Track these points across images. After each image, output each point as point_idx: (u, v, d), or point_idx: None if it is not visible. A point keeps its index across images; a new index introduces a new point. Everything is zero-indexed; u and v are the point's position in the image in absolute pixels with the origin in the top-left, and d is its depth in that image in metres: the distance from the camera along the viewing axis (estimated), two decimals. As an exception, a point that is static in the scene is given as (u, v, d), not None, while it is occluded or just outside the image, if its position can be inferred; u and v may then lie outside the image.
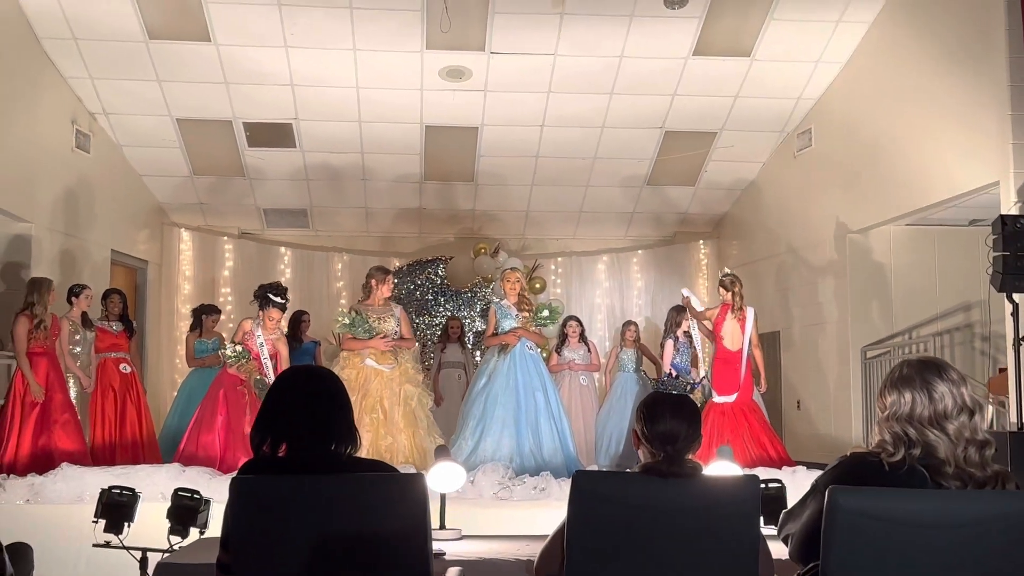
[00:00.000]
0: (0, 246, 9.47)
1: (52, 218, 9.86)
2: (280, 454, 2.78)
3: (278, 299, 8.15)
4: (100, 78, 10.19)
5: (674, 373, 9.37)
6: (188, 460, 7.62)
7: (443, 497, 4.39)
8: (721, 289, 8.88)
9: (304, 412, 2.78)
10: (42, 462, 7.71)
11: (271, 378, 8.02)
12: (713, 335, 8.97)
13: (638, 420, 3.06)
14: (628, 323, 10.96)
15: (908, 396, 2.81)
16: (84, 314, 8.87)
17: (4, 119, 9.01)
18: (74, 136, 10.33)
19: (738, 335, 8.65)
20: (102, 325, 9.01)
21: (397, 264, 12.80)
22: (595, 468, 8.22)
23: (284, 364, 8.23)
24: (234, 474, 2.91)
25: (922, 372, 2.83)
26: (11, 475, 7.23)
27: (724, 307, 8.79)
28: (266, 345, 8.08)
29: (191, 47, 9.85)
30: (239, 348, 7.99)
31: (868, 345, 10.05)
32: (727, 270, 9.35)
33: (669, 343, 9.61)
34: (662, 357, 9.78)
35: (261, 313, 8.15)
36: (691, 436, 2.98)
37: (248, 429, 7.73)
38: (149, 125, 11.00)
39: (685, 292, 9.69)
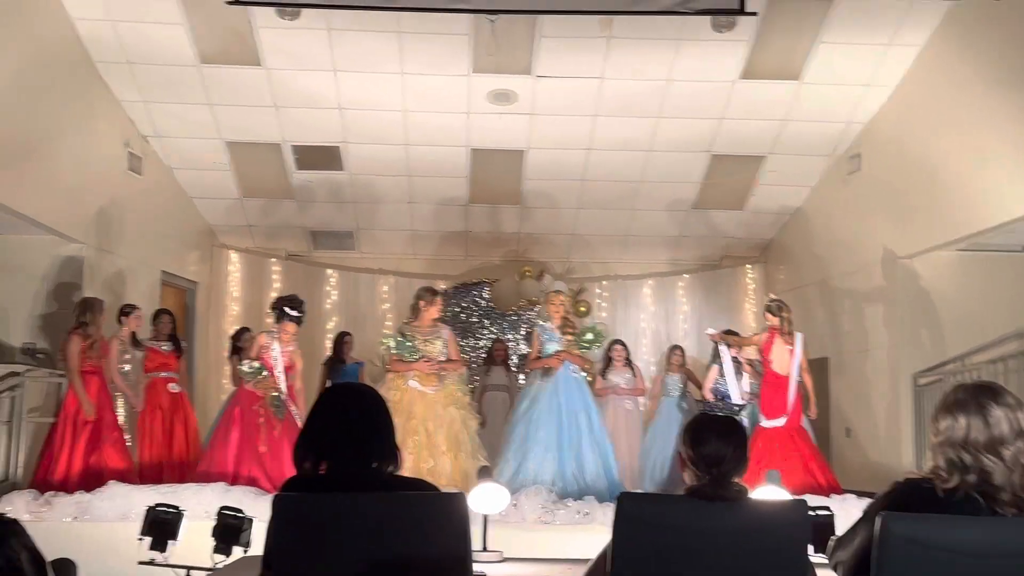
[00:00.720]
0: (53, 266, 9.61)
1: (104, 239, 9.99)
2: (322, 471, 2.77)
3: (294, 312, 8.20)
4: (153, 101, 10.34)
5: (713, 399, 9.30)
6: (202, 477, 7.65)
7: (485, 519, 4.35)
8: (768, 315, 8.83)
9: (345, 429, 2.76)
10: (91, 480, 7.80)
11: (285, 392, 8.06)
12: (761, 363, 8.89)
13: (683, 442, 3.02)
14: (674, 347, 10.90)
15: (963, 421, 2.75)
16: (133, 334, 8.99)
17: (59, 141, 9.17)
18: (127, 158, 10.48)
19: (786, 360, 8.58)
20: (152, 345, 9.12)
21: (443, 287, 12.81)
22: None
23: (300, 377, 8.24)
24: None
25: (977, 396, 2.77)
26: (59, 492, 7.31)
27: (772, 332, 8.72)
28: (281, 358, 8.10)
29: (241, 71, 9.97)
30: (256, 364, 8.03)
31: (919, 372, 9.87)
32: (773, 296, 9.28)
33: (715, 368, 9.54)
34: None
35: (277, 326, 8.19)
36: (737, 458, 2.93)
37: (263, 448, 7.78)
38: (200, 148, 11.14)
39: (710, 331, 9.64)
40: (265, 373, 8.03)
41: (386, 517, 2.63)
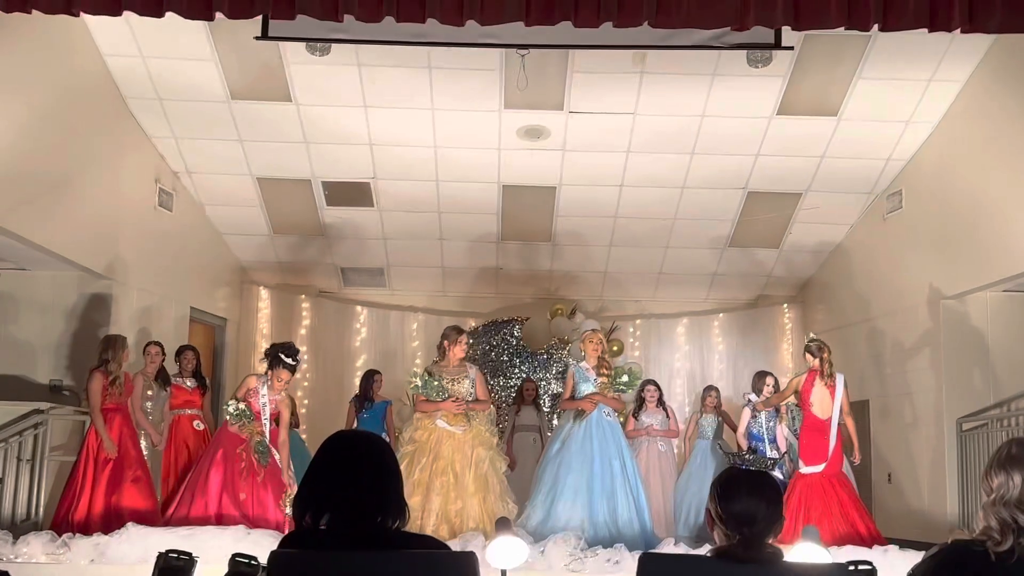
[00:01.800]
0: (80, 303, 9.60)
1: (133, 275, 9.97)
2: (323, 526, 2.58)
3: (289, 360, 7.95)
4: (184, 138, 10.35)
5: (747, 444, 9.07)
6: (180, 522, 7.44)
7: (503, 574, 4.15)
8: (808, 355, 8.57)
9: (348, 481, 2.57)
10: (112, 520, 7.71)
11: (268, 438, 7.86)
12: (799, 407, 8.66)
13: (711, 499, 2.80)
14: (709, 388, 10.67)
15: (1018, 479, 2.56)
16: (163, 370, 8.93)
17: (90, 177, 9.18)
18: (157, 195, 10.48)
19: (827, 402, 8.32)
20: (176, 382, 9.07)
21: (473, 324, 12.69)
22: (671, 540, 7.89)
23: (284, 428, 8.02)
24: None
25: (1033, 452, 2.56)
26: (76, 534, 7.20)
27: (811, 374, 8.46)
28: (269, 405, 7.91)
29: (272, 107, 9.96)
30: (242, 406, 7.81)
31: (964, 417, 9.55)
32: (812, 335, 9.03)
33: (747, 411, 9.31)
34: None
35: (270, 372, 7.95)
36: (771, 517, 2.71)
37: (243, 495, 7.58)
38: (230, 184, 11.14)
39: (752, 397, 9.43)
40: (250, 415, 7.82)
41: (389, 577, 2.44)
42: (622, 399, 8.75)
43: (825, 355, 8.45)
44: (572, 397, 8.18)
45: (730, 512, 2.71)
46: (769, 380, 9.41)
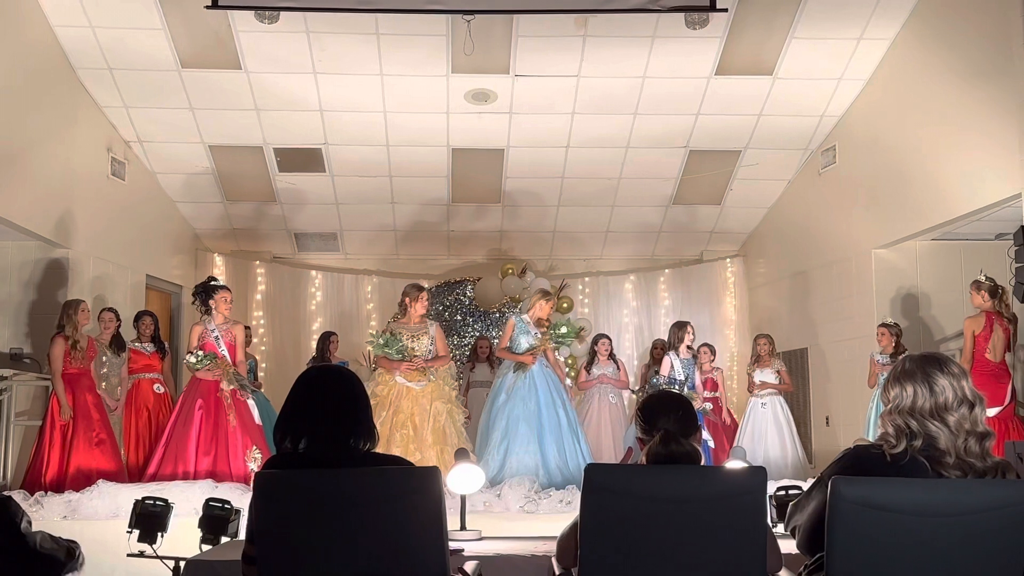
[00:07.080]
0: (39, 271, 9.70)
1: (89, 244, 10.06)
2: (301, 449, 2.89)
3: (213, 282, 8.30)
4: (134, 107, 10.43)
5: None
6: (169, 479, 7.59)
7: (463, 498, 4.47)
8: (984, 294, 8.35)
9: (323, 408, 2.89)
10: (81, 481, 7.85)
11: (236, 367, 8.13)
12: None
13: (637, 426, 3.18)
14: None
15: (910, 389, 2.90)
16: (118, 336, 9.05)
17: (42, 148, 9.26)
18: (110, 164, 10.56)
19: (1002, 345, 8.13)
20: (135, 347, 9.19)
21: (426, 285, 12.87)
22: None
23: (240, 350, 8.26)
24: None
25: (923, 366, 2.92)
26: (49, 492, 7.39)
27: (989, 316, 8.24)
28: (222, 337, 8.14)
29: (222, 75, 10.07)
30: (200, 353, 8.02)
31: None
32: (986, 276, 8.52)
33: (666, 360, 9.66)
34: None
35: (211, 304, 8.18)
36: (684, 418, 3.09)
37: (233, 423, 7.70)
38: (182, 152, 11.23)
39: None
40: (212, 356, 8.01)
41: (362, 491, 2.75)
42: (561, 364, 9.11)
43: (1003, 297, 8.21)
44: (509, 347, 8.50)
45: (648, 418, 3.10)
46: (689, 329, 9.78)
